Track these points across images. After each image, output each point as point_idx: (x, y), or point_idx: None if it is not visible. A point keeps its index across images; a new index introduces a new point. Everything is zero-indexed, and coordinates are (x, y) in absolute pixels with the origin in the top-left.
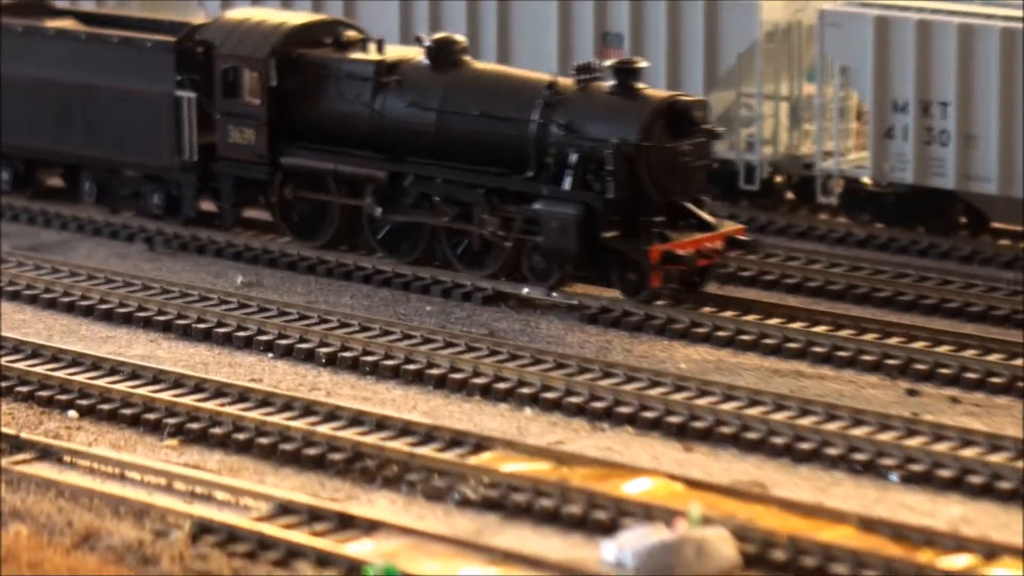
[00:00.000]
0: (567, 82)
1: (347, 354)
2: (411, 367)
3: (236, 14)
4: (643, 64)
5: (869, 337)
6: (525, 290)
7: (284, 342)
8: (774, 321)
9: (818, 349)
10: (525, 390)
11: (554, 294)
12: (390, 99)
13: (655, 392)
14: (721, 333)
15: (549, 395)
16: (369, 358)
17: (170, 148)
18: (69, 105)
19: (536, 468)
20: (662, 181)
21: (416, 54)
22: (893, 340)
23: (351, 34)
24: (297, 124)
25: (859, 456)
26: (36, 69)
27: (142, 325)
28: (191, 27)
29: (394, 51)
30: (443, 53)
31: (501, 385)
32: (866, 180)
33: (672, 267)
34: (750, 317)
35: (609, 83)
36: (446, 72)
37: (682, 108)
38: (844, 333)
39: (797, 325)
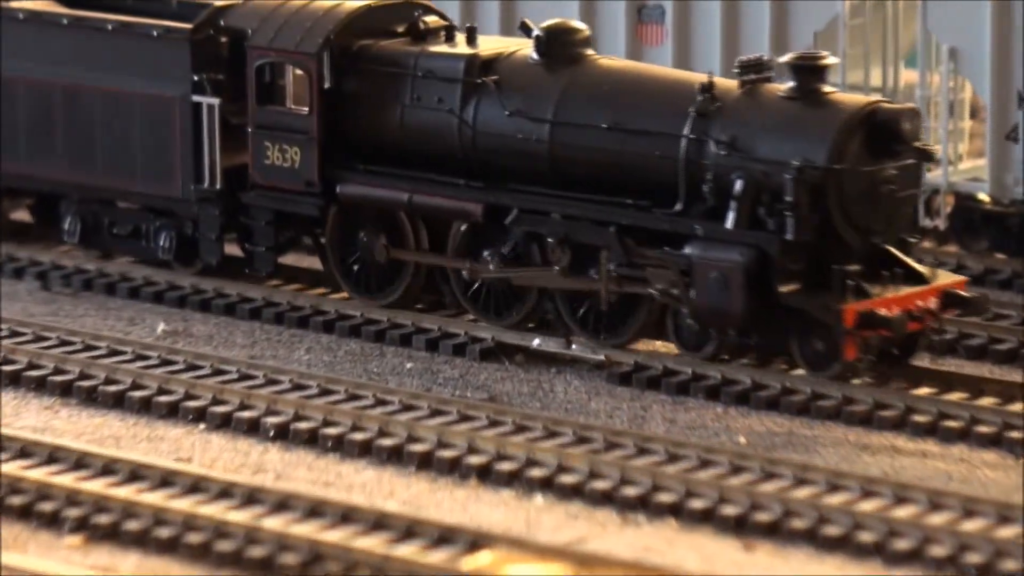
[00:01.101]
0: (729, 84)
1: (303, 425)
2: (386, 442)
3: None
4: (831, 60)
5: (985, 402)
6: (536, 341)
7: (220, 409)
8: (862, 381)
9: (919, 418)
10: (535, 472)
11: (574, 346)
12: (486, 107)
13: (706, 474)
14: (795, 397)
15: (567, 478)
16: (331, 430)
17: (184, 172)
18: (45, 114)
19: (550, 573)
20: (859, 217)
21: (520, 46)
22: (1017, 406)
23: (432, 20)
24: (357, 140)
25: (972, 558)
26: (5, 64)
27: (34, 387)
28: (212, 9)
29: (490, 42)
30: (559, 45)
31: (504, 465)
32: (983, 197)
33: (873, 333)
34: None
35: (786, 85)
36: (563, 70)
37: (886, 119)
38: (954, 396)
39: (892, 386)
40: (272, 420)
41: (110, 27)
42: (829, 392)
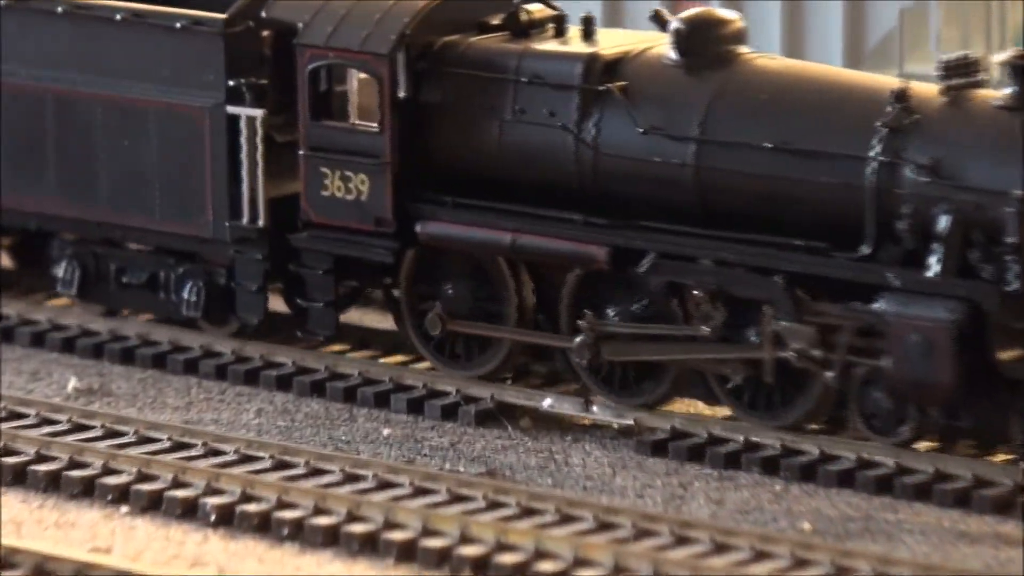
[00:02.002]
0: (926, 91)
1: (252, 507)
2: (358, 528)
3: None
4: None
5: None
6: (547, 402)
7: (148, 487)
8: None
9: None
10: (547, 566)
11: (594, 408)
12: (611, 121)
13: (761, 569)
14: (874, 471)
15: (586, 574)
16: (288, 514)
17: (216, 205)
18: (31, 129)
19: None
20: None
21: (653, 42)
22: None
23: (536, 9)
24: (442, 166)
25: None
26: None
27: None
28: None
29: (613, 38)
30: (704, 41)
31: (506, 558)
32: None
33: None
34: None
35: (1003, 91)
36: (710, 74)
37: None
38: None
39: (1000, 459)
40: (213, 501)
41: (118, 17)
42: (917, 466)
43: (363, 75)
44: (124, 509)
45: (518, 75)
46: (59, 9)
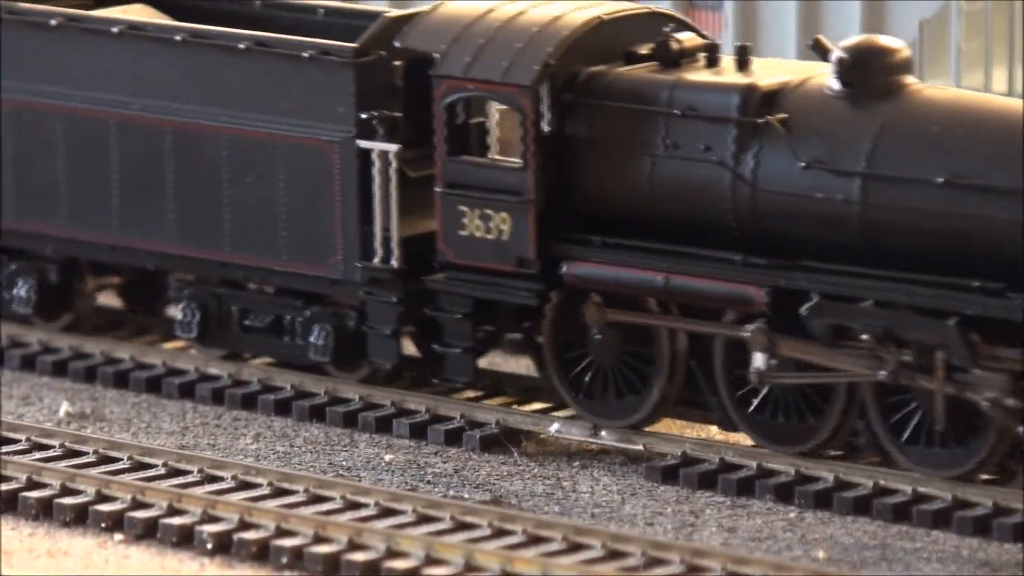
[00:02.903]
0: None
1: (250, 535)
2: (360, 557)
3: (468, 4)
4: None
5: None
6: (555, 427)
7: (142, 515)
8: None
9: None
10: None
11: (603, 433)
12: (770, 155)
13: None
14: (890, 498)
15: None
16: (287, 542)
17: (347, 245)
18: (149, 164)
19: None
20: None
21: (812, 73)
22: None
23: (686, 38)
24: (588, 203)
25: None
26: (85, 96)
27: None
28: (384, 22)
29: (770, 68)
30: (869, 70)
31: None
32: None
33: None
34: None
35: None
36: (876, 106)
37: None
38: None
39: (1018, 484)
40: (210, 529)
41: (243, 46)
42: (936, 492)
43: (504, 108)
44: (118, 537)
45: (670, 107)
46: (178, 38)
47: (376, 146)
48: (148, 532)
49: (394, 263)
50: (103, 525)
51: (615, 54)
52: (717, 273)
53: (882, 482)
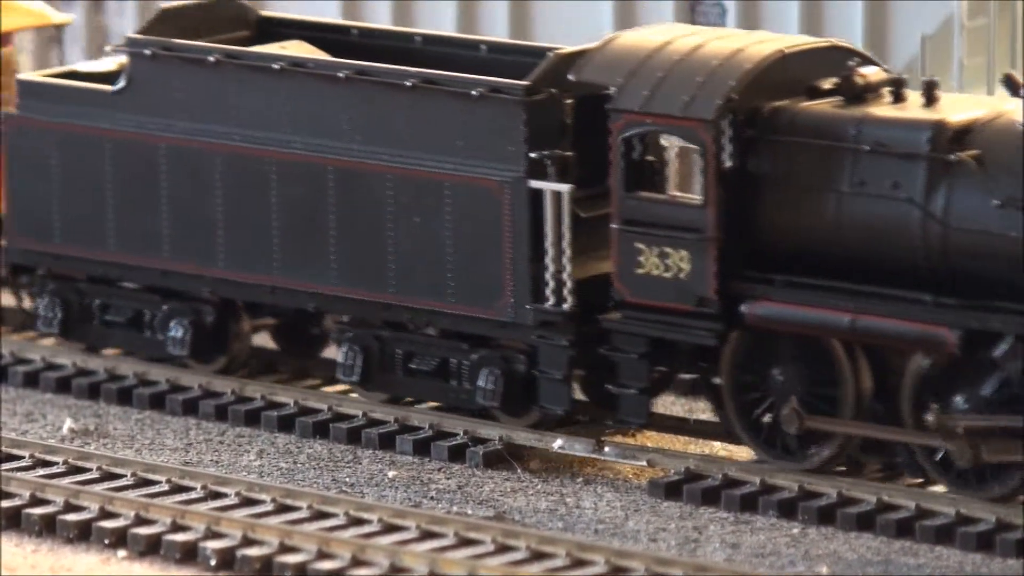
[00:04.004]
0: None
1: (253, 552)
2: (362, 573)
3: (644, 36)
4: None
5: None
6: (558, 443)
7: (145, 531)
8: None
9: None
10: None
11: (607, 449)
12: (963, 194)
13: None
14: (894, 514)
15: None
16: (290, 559)
17: (518, 287)
18: (310, 204)
19: None
20: None
21: (1001, 108)
22: None
23: (871, 73)
24: (770, 241)
25: None
26: (244, 134)
27: None
28: (555, 59)
29: (958, 103)
30: None
31: None
32: None
33: None
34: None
35: None
36: None
37: None
38: None
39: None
40: (214, 545)
41: (409, 83)
42: (939, 508)
43: (684, 143)
44: (122, 554)
45: (857, 144)
46: (342, 75)
47: (548, 186)
48: (152, 549)
49: (566, 306)
50: (107, 542)
51: (796, 88)
52: (907, 314)
53: (885, 498)
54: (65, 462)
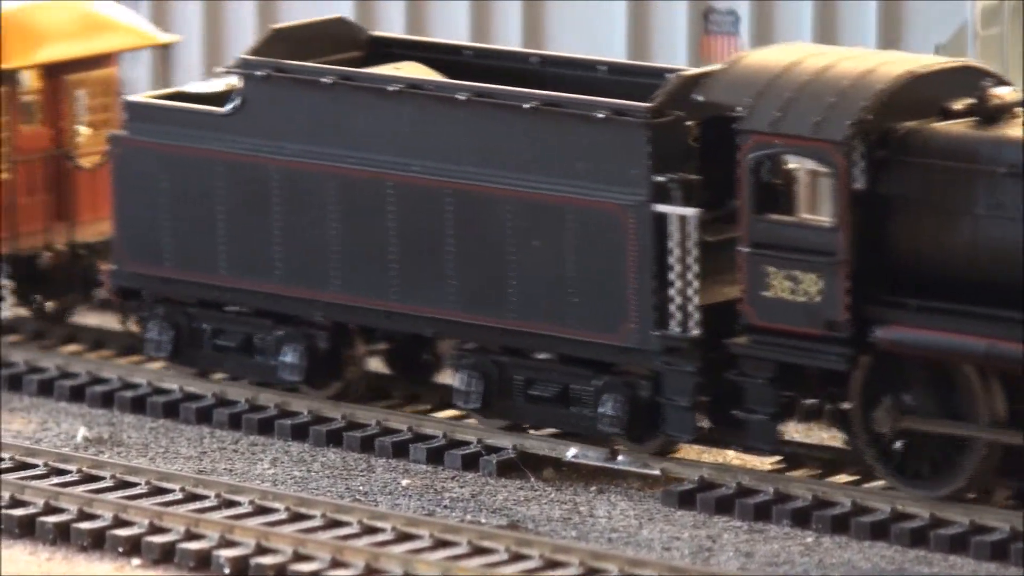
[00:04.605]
0: None
1: (267, 560)
2: None
3: (772, 56)
4: None
5: None
6: (572, 451)
7: (159, 540)
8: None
9: None
10: None
11: (621, 457)
12: None
13: None
14: (908, 523)
15: None
16: (304, 567)
17: (642, 312)
18: (429, 227)
19: None
20: None
21: None
22: None
23: (1005, 94)
24: (902, 264)
25: None
26: (360, 157)
27: None
28: (680, 80)
29: None
30: None
31: None
32: None
33: None
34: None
35: None
36: None
37: None
38: None
39: None
40: (228, 553)
41: (530, 106)
42: (952, 517)
43: (814, 164)
44: (136, 562)
45: (994, 165)
46: (461, 97)
47: (674, 210)
48: (166, 557)
49: (693, 332)
50: (120, 550)
51: (928, 109)
52: None
53: (899, 507)
54: (79, 470)
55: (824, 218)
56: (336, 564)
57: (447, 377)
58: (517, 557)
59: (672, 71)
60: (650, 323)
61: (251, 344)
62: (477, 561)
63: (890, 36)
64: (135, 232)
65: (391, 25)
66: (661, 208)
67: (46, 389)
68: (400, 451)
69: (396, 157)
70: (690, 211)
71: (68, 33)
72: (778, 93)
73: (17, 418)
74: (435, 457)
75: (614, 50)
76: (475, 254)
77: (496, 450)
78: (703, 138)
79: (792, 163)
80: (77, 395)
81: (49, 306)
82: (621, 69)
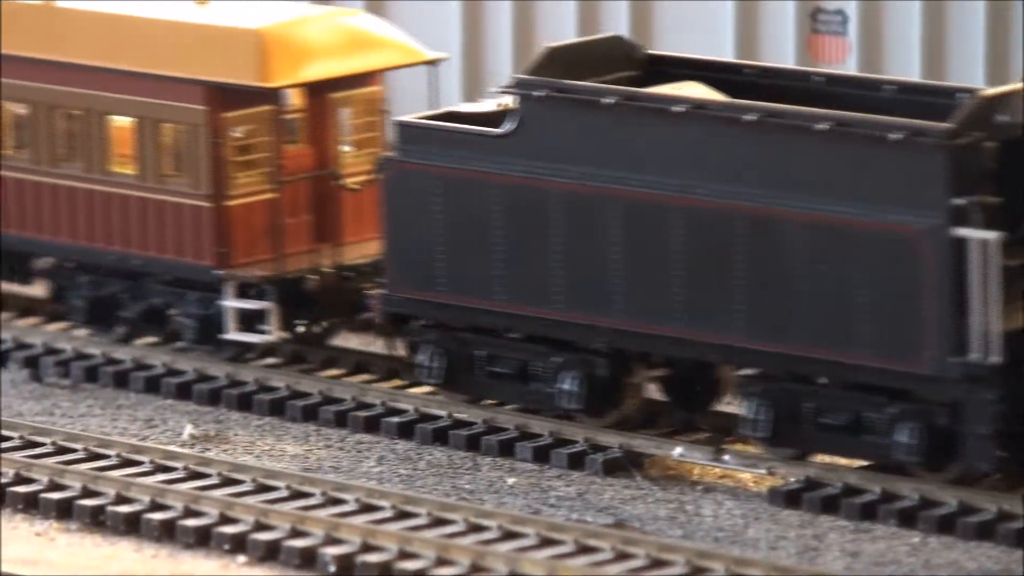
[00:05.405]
0: None
1: (372, 558)
2: None
3: None
4: None
5: None
6: (678, 450)
7: (264, 537)
8: None
9: None
10: None
11: (726, 457)
12: None
13: None
14: (1015, 523)
15: None
16: (410, 564)
17: (939, 339)
18: (717, 251)
19: None
20: None
21: None
22: None
23: None
24: None
25: None
26: (643, 179)
27: (22, 507)
28: (980, 100)
29: None
30: None
31: None
32: None
33: None
34: None
35: None
36: None
37: None
38: None
39: None
40: (333, 551)
41: (822, 127)
42: None
43: None
44: (241, 559)
45: None
46: (750, 118)
47: (975, 234)
48: (271, 554)
49: (994, 358)
50: (226, 547)
51: None
52: None
53: (1006, 507)
54: (185, 467)
55: None
56: (441, 562)
57: (722, 404)
58: (622, 556)
59: (966, 90)
60: (949, 350)
61: (526, 371)
62: (582, 560)
63: (999, 31)
64: (407, 257)
65: (499, 24)
66: (961, 232)
67: (153, 386)
68: (506, 449)
69: (680, 179)
70: (992, 235)
71: (333, 50)
72: None
73: (123, 416)
74: (541, 456)
75: (723, 50)
76: (763, 279)
77: (602, 449)
78: (1002, 160)
79: None
80: (183, 392)
81: (315, 330)
82: (911, 88)
